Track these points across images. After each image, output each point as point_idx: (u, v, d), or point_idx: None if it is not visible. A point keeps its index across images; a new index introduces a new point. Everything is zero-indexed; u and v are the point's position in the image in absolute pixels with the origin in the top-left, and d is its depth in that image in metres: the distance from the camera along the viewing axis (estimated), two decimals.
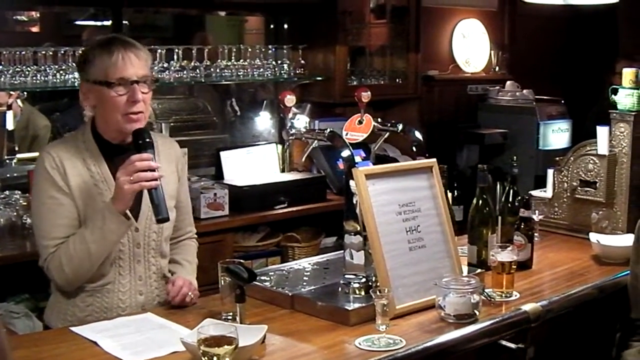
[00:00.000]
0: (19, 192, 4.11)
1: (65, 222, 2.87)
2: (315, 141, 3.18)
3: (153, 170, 2.79)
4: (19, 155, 4.68)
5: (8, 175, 4.48)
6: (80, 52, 3.06)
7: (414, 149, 3.37)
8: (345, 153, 2.91)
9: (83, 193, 2.88)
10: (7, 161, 4.67)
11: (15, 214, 3.98)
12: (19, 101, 4.72)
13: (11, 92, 4.54)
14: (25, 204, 3.98)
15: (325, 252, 4.27)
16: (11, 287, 3.81)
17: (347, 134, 3.34)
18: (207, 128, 5.48)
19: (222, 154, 5.01)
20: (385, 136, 3.47)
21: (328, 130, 3.03)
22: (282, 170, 5.16)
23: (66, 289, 2.91)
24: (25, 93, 4.67)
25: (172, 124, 5.07)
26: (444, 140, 5.75)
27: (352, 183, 2.85)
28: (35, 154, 4.35)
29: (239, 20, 5.86)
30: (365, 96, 3.41)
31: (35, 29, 5.05)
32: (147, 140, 2.86)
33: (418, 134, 3.39)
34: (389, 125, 3.44)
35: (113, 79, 2.85)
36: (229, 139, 5.51)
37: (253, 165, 5.09)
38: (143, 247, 3.01)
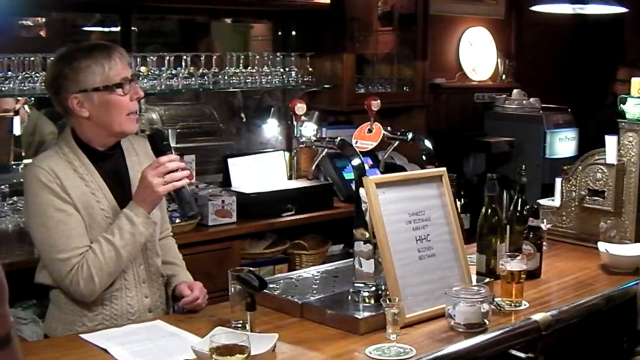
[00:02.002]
0: None
1: (79, 232, 2.85)
2: (325, 149, 3.18)
3: (176, 169, 2.87)
4: (25, 161, 4.67)
5: (15, 181, 4.45)
6: (57, 66, 2.91)
7: (424, 157, 3.37)
8: (356, 161, 2.91)
9: (83, 203, 2.87)
10: (14, 167, 4.65)
11: (22, 219, 3.97)
12: (26, 107, 4.71)
13: (18, 98, 4.54)
14: None
15: (332, 260, 4.28)
16: (18, 293, 3.80)
17: (356, 142, 3.34)
18: (214, 135, 5.48)
19: (230, 160, 5.01)
20: (395, 145, 3.47)
21: (338, 138, 3.03)
22: (290, 178, 5.15)
23: (87, 300, 2.87)
24: (32, 99, 4.66)
25: (178, 131, 5.07)
26: (450, 149, 5.73)
27: (362, 191, 2.85)
28: None
29: (245, 27, 5.86)
30: (375, 105, 3.41)
31: (40, 35, 5.05)
32: (165, 143, 2.94)
33: (428, 143, 3.39)
34: (398, 134, 3.44)
35: (117, 80, 2.87)
36: (236, 146, 5.51)
37: (260, 172, 5.09)
38: (142, 249, 3.01)
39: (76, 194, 2.86)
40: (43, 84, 3.21)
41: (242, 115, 5.74)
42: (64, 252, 2.81)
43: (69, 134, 2.96)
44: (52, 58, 3.12)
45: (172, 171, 2.85)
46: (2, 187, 4.18)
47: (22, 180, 4.35)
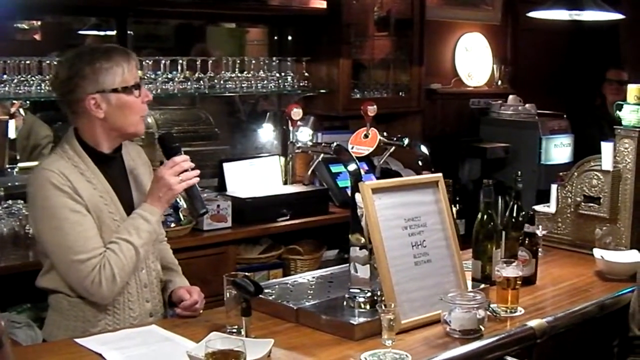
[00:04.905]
0: (22, 201, 4.09)
1: (96, 233, 2.85)
2: (321, 155, 3.18)
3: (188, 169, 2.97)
4: (20, 164, 4.66)
5: (10, 184, 4.44)
6: (73, 65, 2.89)
7: (420, 163, 3.37)
8: (352, 167, 2.90)
9: (93, 206, 2.87)
10: (9, 170, 4.64)
11: (18, 223, 3.97)
12: (21, 110, 4.70)
13: (14, 101, 4.52)
14: (27, 213, 3.96)
15: (326, 265, 4.27)
16: (13, 297, 3.79)
17: (352, 148, 3.33)
18: (209, 139, 5.46)
19: (225, 165, 5.01)
20: (391, 150, 3.47)
21: (334, 144, 3.03)
22: (285, 183, 5.16)
23: (104, 301, 2.88)
24: (28, 102, 4.65)
25: (174, 135, 5.05)
26: (446, 154, 5.73)
27: (358, 196, 2.85)
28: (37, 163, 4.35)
29: (240, 31, 5.86)
30: (372, 110, 3.40)
31: (36, 38, 5.03)
32: (176, 144, 3.00)
33: (424, 149, 3.39)
34: (394, 139, 3.44)
35: (133, 82, 2.92)
36: (232, 150, 5.50)
37: (256, 177, 5.09)
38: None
39: (86, 197, 2.87)
40: (52, 83, 3.17)
41: (238, 119, 5.73)
42: (83, 253, 2.80)
43: (72, 137, 2.96)
44: (62, 58, 3.10)
45: (185, 170, 2.94)
46: None
47: (16, 183, 4.42)
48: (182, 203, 4.30)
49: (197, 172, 2.99)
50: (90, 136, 2.94)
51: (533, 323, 2.92)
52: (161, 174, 2.92)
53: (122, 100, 2.90)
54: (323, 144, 3.16)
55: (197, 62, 4.78)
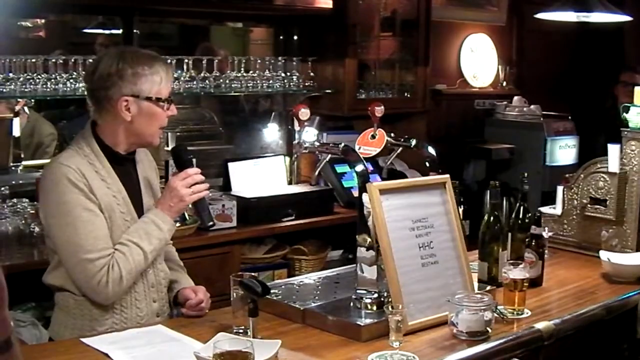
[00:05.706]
0: (27, 199, 4.08)
1: (106, 233, 2.86)
2: (329, 155, 3.17)
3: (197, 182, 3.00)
4: (25, 163, 4.65)
5: (14, 182, 4.44)
6: (116, 63, 2.89)
7: (427, 164, 3.36)
8: (360, 168, 2.89)
9: (106, 205, 2.88)
10: (13, 168, 4.63)
11: (23, 222, 3.95)
12: (25, 108, 4.69)
13: (18, 99, 4.52)
14: (33, 212, 3.95)
15: (331, 266, 4.26)
16: (17, 296, 3.78)
17: (360, 148, 3.32)
18: (214, 138, 5.47)
19: (230, 165, 5.00)
20: (399, 151, 3.47)
21: (342, 144, 3.02)
22: (290, 183, 5.15)
23: (107, 302, 2.88)
24: (32, 100, 4.64)
25: (178, 134, 5.05)
26: (451, 155, 5.71)
27: (364, 197, 2.84)
28: (42, 161, 4.34)
29: (245, 31, 5.85)
30: (379, 111, 3.39)
31: (40, 36, 5.02)
32: (190, 156, 3.07)
33: (431, 150, 3.39)
34: (402, 140, 3.44)
35: (166, 94, 2.95)
36: (236, 150, 5.49)
37: (261, 177, 5.08)
38: None
39: (100, 196, 2.87)
40: (87, 76, 3.12)
41: (243, 119, 5.72)
42: (92, 253, 2.81)
43: (89, 134, 2.96)
44: (103, 54, 3.10)
45: (196, 183, 2.98)
46: (2, 189, 4.16)
47: (21, 182, 4.41)
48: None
49: (207, 185, 3.03)
50: (110, 135, 2.95)
51: (540, 325, 2.91)
52: (174, 184, 2.95)
53: (152, 110, 2.92)
54: (331, 145, 3.14)
55: (203, 62, 4.78)
